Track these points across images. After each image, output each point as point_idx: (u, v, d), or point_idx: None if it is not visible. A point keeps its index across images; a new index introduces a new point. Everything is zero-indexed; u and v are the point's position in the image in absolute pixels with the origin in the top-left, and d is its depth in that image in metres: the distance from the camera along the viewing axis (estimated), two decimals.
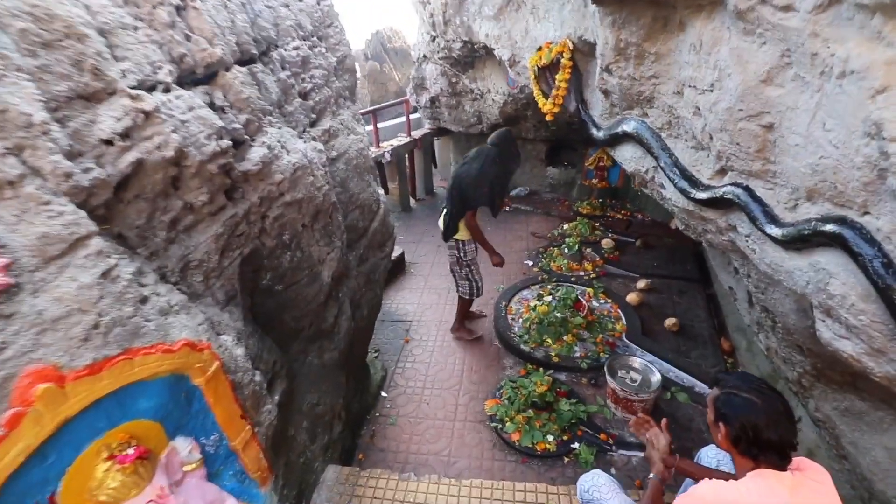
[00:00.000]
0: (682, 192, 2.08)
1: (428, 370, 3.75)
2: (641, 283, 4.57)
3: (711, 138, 1.77)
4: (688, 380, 3.45)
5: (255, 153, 2.02)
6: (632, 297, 4.34)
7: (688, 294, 4.51)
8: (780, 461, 1.27)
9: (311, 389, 2.66)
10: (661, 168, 2.22)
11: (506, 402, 3.24)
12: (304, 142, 2.52)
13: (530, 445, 2.95)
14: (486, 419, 3.23)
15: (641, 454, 2.93)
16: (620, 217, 6.08)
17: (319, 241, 2.57)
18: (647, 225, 5.87)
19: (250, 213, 2.09)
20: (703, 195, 1.94)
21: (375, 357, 3.92)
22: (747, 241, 1.79)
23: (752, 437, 1.27)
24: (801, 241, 1.44)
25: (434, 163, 7.93)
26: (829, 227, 1.31)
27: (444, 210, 3.66)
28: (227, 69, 1.99)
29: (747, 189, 1.71)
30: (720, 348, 3.80)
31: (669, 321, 3.99)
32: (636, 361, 3.25)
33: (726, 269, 2.70)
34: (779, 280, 1.65)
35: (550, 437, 2.99)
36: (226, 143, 1.81)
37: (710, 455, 1.85)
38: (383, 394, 3.55)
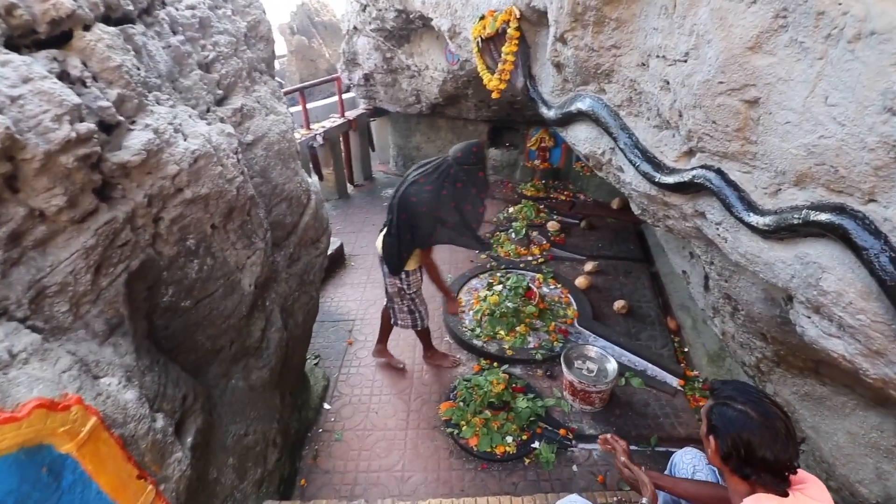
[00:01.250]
0: (645, 175, 1.90)
1: (375, 374, 3.45)
2: (589, 266, 4.53)
3: (681, 116, 1.59)
4: (640, 363, 3.43)
5: (136, 139, 1.58)
6: (580, 281, 4.28)
7: (633, 274, 4.53)
8: (777, 483, 1.13)
9: (237, 418, 2.27)
10: (621, 149, 2.04)
11: (461, 403, 3.03)
12: (209, 124, 2.07)
13: (489, 450, 2.76)
14: (441, 424, 3.00)
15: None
16: (564, 198, 6.04)
17: (236, 243, 2.16)
18: (590, 206, 5.87)
19: (136, 217, 1.66)
20: (668, 179, 1.77)
21: (315, 364, 3.55)
22: (718, 228, 1.65)
23: (744, 454, 1.13)
24: (788, 230, 1.29)
25: (372, 145, 7.47)
26: (825, 217, 1.16)
27: (385, 230, 2.94)
28: (87, 28, 1.52)
29: (720, 172, 1.55)
30: (667, 328, 3.83)
31: (618, 304, 3.97)
32: (591, 350, 3.16)
33: (680, 253, 2.62)
34: (754, 271, 1.52)
35: (510, 439, 2.82)
36: (87, 126, 1.37)
37: (686, 460, 1.72)
38: (326, 406, 3.21)
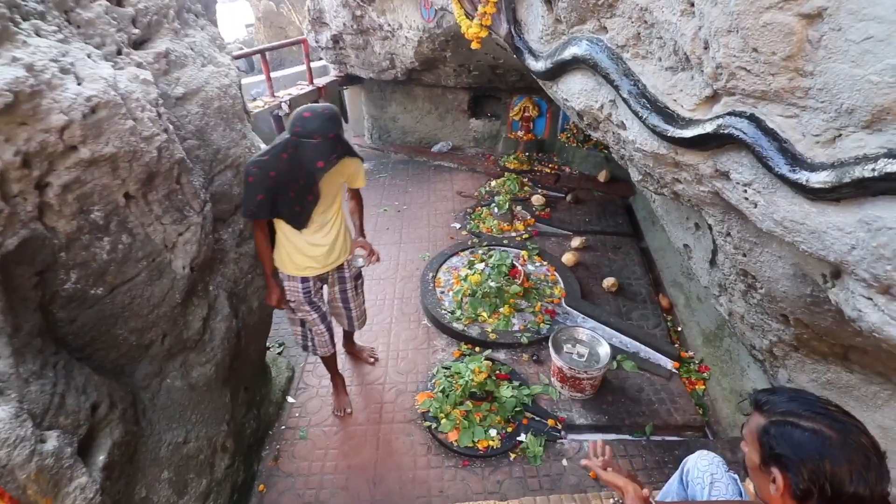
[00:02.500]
0: (654, 130, 1.59)
1: (345, 362, 3.14)
2: (576, 242, 4.25)
3: (707, 47, 1.27)
4: (632, 345, 3.20)
5: None
6: (567, 258, 4.01)
7: (622, 250, 4.28)
8: None
9: (175, 424, 1.94)
10: (624, 100, 1.71)
11: (439, 394, 2.75)
12: (117, 67, 1.66)
13: (471, 445, 2.50)
14: (418, 417, 2.72)
15: (594, 437, 2.62)
16: (549, 171, 5.72)
17: (162, 217, 1.78)
18: (576, 178, 5.57)
19: (6, 182, 1.27)
20: (685, 133, 1.45)
21: (279, 354, 3.21)
22: (746, 191, 1.35)
23: (830, 491, 0.83)
24: (853, 188, 0.99)
25: (344, 116, 6.98)
26: None
27: None
28: None
29: (754, 119, 1.25)
30: (659, 306, 3.60)
31: (608, 281, 3.72)
32: (582, 332, 2.90)
33: (683, 225, 2.35)
34: (794, 242, 1.23)
35: (493, 432, 2.56)
36: None
37: (702, 467, 1.46)
38: (290, 400, 2.89)
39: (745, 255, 1.68)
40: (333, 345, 2.65)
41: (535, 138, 6.11)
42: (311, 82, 6.08)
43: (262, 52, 5.37)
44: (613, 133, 1.98)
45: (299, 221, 2.15)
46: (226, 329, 2.20)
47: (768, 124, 1.22)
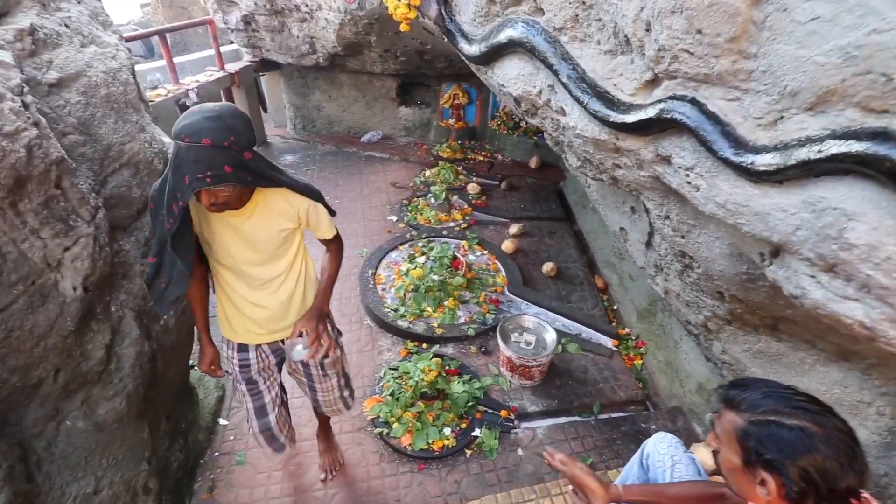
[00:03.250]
0: (596, 115, 1.56)
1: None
2: (514, 228, 4.28)
3: (649, 29, 1.24)
4: (574, 327, 3.27)
5: None
6: (507, 245, 4.02)
7: (557, 234, 4.38)
8: None
9: (81, 473, 1.64)
10: (563, 84, 1.67)
11: (388, 398, 2.62)
12: None
13: (426, 447, 2.41)
14: (368, 424, 2.58)
15: (546, 423, 2.64)
16: (482, 159, 5.72)
17: (41, 230, 1.47)
18: (509, 165, 5.62)
19: None
20: (628, 118, 1.43)
21: None
22: (688, 175, 1.36)
23: (825, 488, 0.80)
24: (798, 169, 1.00)
25: (263, 105, 6.48)
26: (860, 148, 0.88)
27: None
28: None
29: (695, 103, 1.24)
30: (595, 287, 3.73)
31: (547, 266, 3.78)
32: (527, 320, 2.90)
33: (619, 209, 2.40)
34: (736, 224, 1.25)
35: (448, 430, 2.49)
36: None
37: (661, 450, 1.48)
38: (222, 422, 2.61)
39: (683, 237, 1.73)
40: (284, 444, 2.04)
41: (466, 126, 6.07)
42: (222, 67, 5.55)
43: (160, 33, 4.78)
44: (552, 119, 1.94)
45: (185, 262, 1.47)
46: (136, 354, 1.91)
47: (710, 108, 1.22)
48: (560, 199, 4.97)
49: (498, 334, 2.76)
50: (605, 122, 1.53)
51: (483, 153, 5.82)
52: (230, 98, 5.69)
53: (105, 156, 1.86)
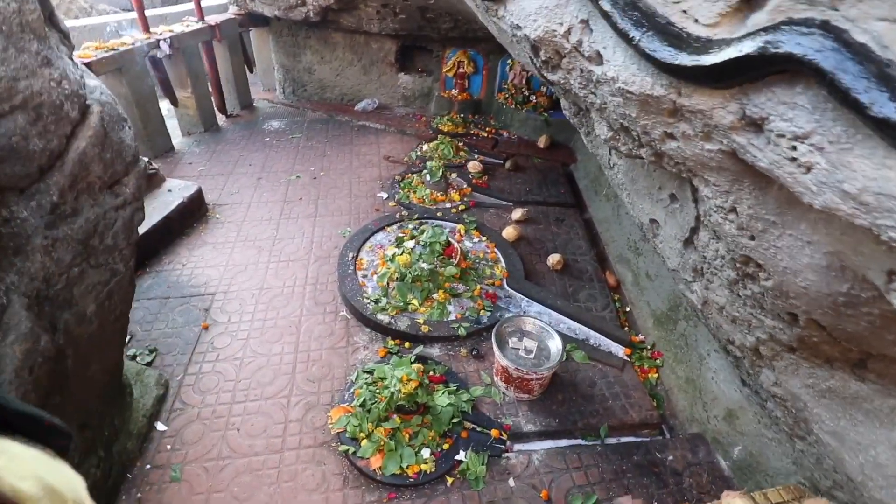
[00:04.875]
0: (652, 58, 1.09)
1: (240, 371, 2.48)
2: (517, 213, 3.82)
3: None
4: (581, 331, 2.85)
5: None
6: (509, 232, 3.56)
7: (565, 222, 3.91)
8: None
9: None
10: (605, 15, 1.19)
11: (359, 409, 2.20)
12: None
13: (399, 472, 2.01)
14: (332, 439, 2.17)
15: (543, 446, 2.24)
16: (486, 135, 5.21)
17: None
18: (514, 144, 5.11)
19: None
20: (707, 59, 0.96)
21: (148, 364, 2.47)
22: (794, 147, 0.90)
23: None
24: None
25: (249, 64, 5.91)
26: None
27: None
28: None
29: (829, 31, 0.77)
30: (606, 284, 3.29)
31: (553, 258, 3.33)
32: (529, 323, 2.47)
33: (653, 196, 1.93)
34: (871, 225, 0.80)
35: (426, 452, 2.08)
36: None
37: None
38: (160, 427, 2.20)
39: (753, 239, 1.27)
40: None
41: (470, 98, 5.54)
42: (202, 18, 4.98)
43: None
44: (581, 72, 1.46)
45: None
46: (24, 353, 1.47)
47: (856, 37, 0.75)
48: (570, 183, 4.49)
49: (493, 338, 2.33)
50: (665, 66, 1.06)
51: (487, 129, 5.30)
52: (210, 54, 5.13)
53: None
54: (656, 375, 2.67)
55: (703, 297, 1.85)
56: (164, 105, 5.11)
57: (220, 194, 4.00)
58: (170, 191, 3.55)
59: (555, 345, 2.34)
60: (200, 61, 4.96)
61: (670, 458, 2.20)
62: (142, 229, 3.16)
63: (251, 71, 6.02)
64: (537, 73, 1.91)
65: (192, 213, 3.58)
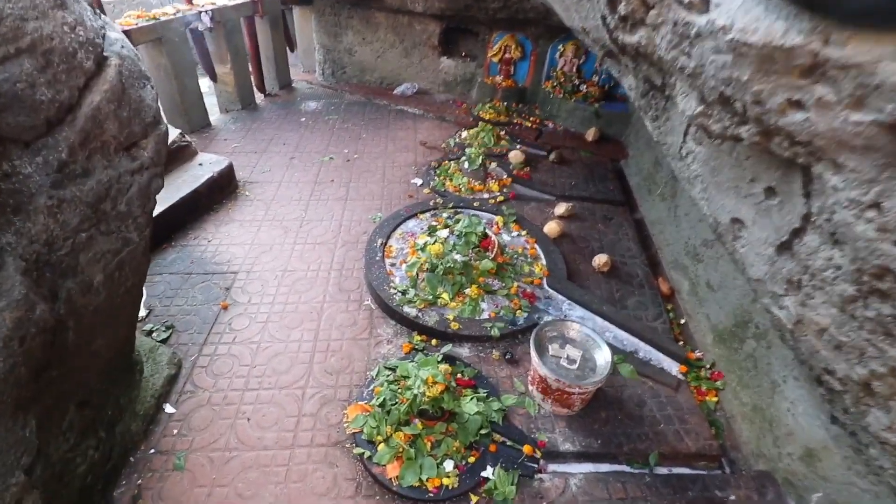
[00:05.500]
0: None
1: (255, 356, 2.32)
2: (561, 208, 3.52)
3: None
4: (629, 341, 2.55)
5: None
6: (551, 228, 3.28)
7: (614, 221, 3.59)
8: None
9: None
10: None
11: (378, 409, 2.00)
12: None
13: (418, 484, 1.79)
14: (347, 439, 1.98)
15: (582, 469, 1.97)
16: (529, 125, 4.90)
17: None
18: (560, 135, 4.79)
19: None
20: None
21: (163, 342, 2.35)
22: None
23: None
24: None
25: (290, 43, 5.81)
26: None
27: None
28: None
29: None
30: (658, 292, 2.96)
31: (599, 259, 3.02)
32: (573, 329, 2.19)
33: (739, 191, 1.62)
34: None
35: (449, 465, 1.85)
36: None
37: None
38: (168, 409, 2.07)
39: None
40: None
41: (515, 85, 5.24)
42: None
43: None
44: (675, 25, 1.18)
45: None
46: (16, 321, 1.33)
47: None
48: (619, 179, 4.14)
49: (532, 343, 2.07)
50: (816, 1, 0.77)
51: (532, 118, 5.00)
52: (252, 30, 5.05)
53: None
54: (716, 399, 2.34)
55: (796, 315, 1.53)
56: (205, 83, 5.08)
57: (251, 172, 3.89)
58: (200, 164, 3.45)
59: (602, 356, 2.06)
60: (241, 37, 4.88)
61: (732, 497, 1.89)
62: (169, 202, 3.07)
63: (292, 50, 5.92)
64: (608, 37, 1.63)
65: (222, 189, 3.47)
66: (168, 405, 2.08)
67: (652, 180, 3.79)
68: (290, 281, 2.79)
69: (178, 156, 3.38)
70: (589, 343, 2.14)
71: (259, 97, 5.41)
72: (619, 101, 4.76)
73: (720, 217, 1.81)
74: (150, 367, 2.15)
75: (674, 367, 2.44)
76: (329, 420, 2.05)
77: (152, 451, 1.91)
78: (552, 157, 4.28)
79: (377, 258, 2.85)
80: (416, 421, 1.94)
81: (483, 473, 1.86)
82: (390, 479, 1.81)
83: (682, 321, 2.80)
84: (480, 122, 4.72)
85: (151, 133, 1.90)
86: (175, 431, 1.98)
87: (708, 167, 1.76)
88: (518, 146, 4.43)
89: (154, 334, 2.38)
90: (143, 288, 2.09)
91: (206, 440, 1.95)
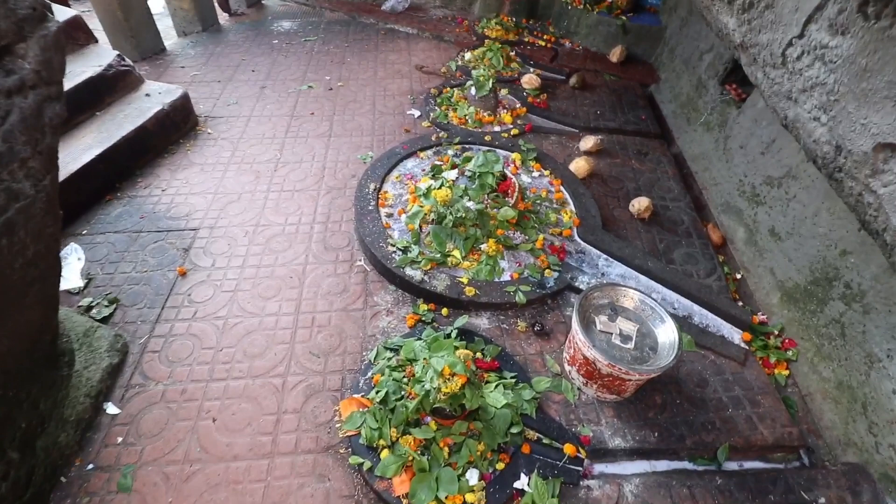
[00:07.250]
0: None
1: (222, 335, 1.86)
2: (588, 143, 2.94)
3: None
4: (682, 304, 2.10)
5: None
6: (579, 165, 2.72)
7: (650, 157, 3.03)
8: None
9: None
10: None
11: (379, 406, 1.56)
12: None
13: (433, 503, 1.39)
14: (340, 443, 1.56)
15: (636, 469, 1.58)
16: (543, 44, 4.16)
17: None
18: (580, 56, 4.07)
19: None
20: None
21: (104, 321, 1.86)
22: None
23: None
24: None
25: None
26: None
27: None
28: None
29: None
30: (709, 241, 2.48)
31: (640, 203, 2.51)
32: (628, 296, 1.72)
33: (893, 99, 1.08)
34: None
35: (474, 476, 1.45)
36: None
37: None
38: (110, 410, 1.62)
39: None
40: None
41: None
42: None
43: None
44: None
45: None
46: None
47: None
48: (651, 107, 3.52)
49: (575, 315, 1.60)
50: None
51: (546, 36, 4.24)
52: None
53: None
54: (787, 373, 1.93)
55: None
56: (159, 1, 4.24)
57: (214, 104, 3.22)
58: (147, 95, 2.79)
59: (667, 334, 1.60)
60: None
61: (822, 500, 1.52)
62: (108, 143, 2.46)
63: None
64: None
65: (177, 126, 2.84)
66: (110, 404, 1.63)
67: (692, 107, 3.18)
68: (264, 238, 2.27)
69: (116, 84, 2.72)
70: (646, 314, 1.67)
71: (223, 17, 4.57)
72: (649, 13, 4.01)
73: (854, 142, 1.27)
74: (84, 356, 1.67)
75: (735, 335, 2.00)
76: (317, 418, 1.62)
77: (90, 466, 1.49)
78: (573, 81, 3.62)
79: (370, 208, 2.32)
80: (429, 419, 1.51)
81: (516, 485, 1.46)
82: (398, 497, 1.41)
83: (738, 276, 2.34)
84: (486, 41, 3.98)
85: (32, 33, 1.29)
86: (119, 440, 1.55)
87: (854, 68, 1.19)
88: (531, 69, 3.74)
89: (94, 311, 1.90)
90: (60, 256, 1.57)
91: (159, 450, 1.52)
